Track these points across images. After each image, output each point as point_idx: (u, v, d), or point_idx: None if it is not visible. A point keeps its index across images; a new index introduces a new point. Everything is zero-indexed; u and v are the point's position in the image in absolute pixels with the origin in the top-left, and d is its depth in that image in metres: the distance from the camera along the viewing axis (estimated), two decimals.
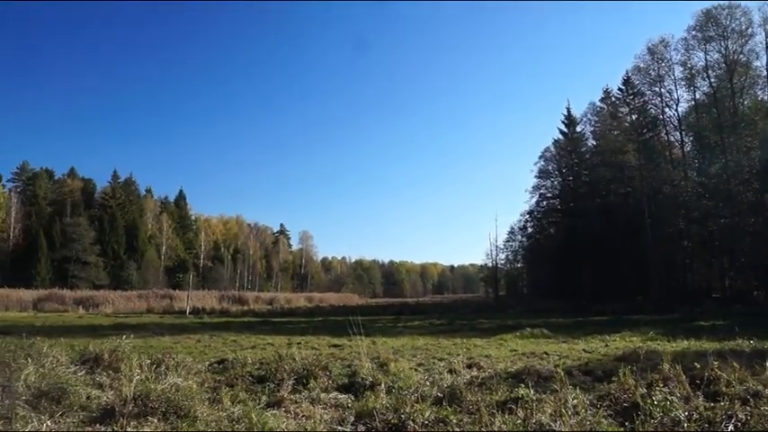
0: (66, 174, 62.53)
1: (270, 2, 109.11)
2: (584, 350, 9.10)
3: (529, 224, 48.82)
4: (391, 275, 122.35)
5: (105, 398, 4.76)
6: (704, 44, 28.31)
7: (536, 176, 44.23)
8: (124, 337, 7.37)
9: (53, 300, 30.51)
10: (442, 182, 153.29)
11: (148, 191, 66.49)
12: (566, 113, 42.40)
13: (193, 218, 72.53)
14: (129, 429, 3.91)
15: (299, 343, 11.03)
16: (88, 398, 4.72)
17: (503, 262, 55.09)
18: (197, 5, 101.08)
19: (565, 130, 42.37)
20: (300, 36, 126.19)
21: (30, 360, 5.59)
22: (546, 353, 8.78)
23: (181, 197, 70.10)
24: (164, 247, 60.71)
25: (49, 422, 3.97)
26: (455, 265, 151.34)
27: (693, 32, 28.56)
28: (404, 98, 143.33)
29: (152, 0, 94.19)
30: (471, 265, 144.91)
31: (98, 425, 4.10)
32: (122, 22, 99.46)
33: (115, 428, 3.94)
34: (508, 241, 54.01)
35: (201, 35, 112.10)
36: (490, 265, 54.27)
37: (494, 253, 51.60)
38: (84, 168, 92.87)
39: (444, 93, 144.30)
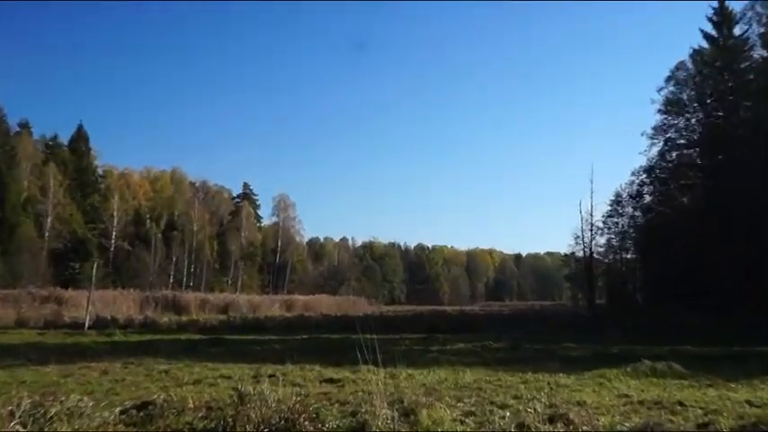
0: None
1: None
2: (748, 402, 8.80)
3: (646, 189, 47.95)
4: (419, 269, 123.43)
5: None
6: None
7: (660, 111, 43.04)
8: None
9: None
10: (504, 120, 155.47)
11: (24, 126, 63.68)
12: (716, 6, 40.36)
13: (101, 171, 72.93)
14: None
15: (271, 375, 11.08)
16: None
17: (601, 249, 54.58)
18: None
19: (713, 32, 40.31)
20: None
21: None
22: (681, 403, 8.54)
23: (80, 138, 66.60)
24: (49, 219, 57.48)
25: None
26: (523, 254, 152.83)
27: None
28: None
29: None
30: (549, 254, 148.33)
31: None
32: None
33: None
34: (610, 216, 53.42)
35: None
36: (581, 254, 53.97)
37: (587, 235, 50.91)
38: None
39: None
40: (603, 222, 53.18)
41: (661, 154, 44.26)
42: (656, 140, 43.99)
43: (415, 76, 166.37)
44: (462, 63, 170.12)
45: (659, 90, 43.21)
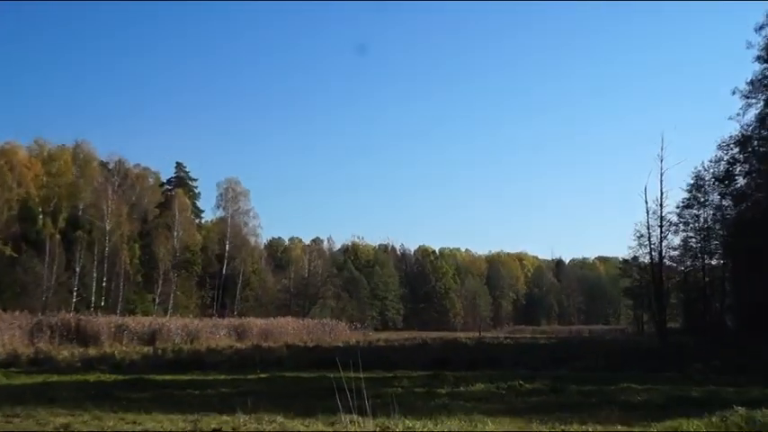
0: None
1: None
2: None
3: (738, 168, 48.00)
4: (422, 281, 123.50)
5: None
6: None
7: (760, 59, 42.98)
8: None
9: None
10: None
11: None
12: None
13: None
14: None
15: (216, 430, 11.17)
16: None
17: (675, 253, 54.77)
18: None
19: None
20: None
21: None
22: None
23: None
24: None
25: None
26: (565, 260, 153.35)
27: None
28: None
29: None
30: (601, 259, 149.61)
31: None
32: None
33: None
34: (688, 207, 53.51)
35: None
36: (646, 260, 54.05)
37: (655, 233, 50.98)
38: None
39: None
40: (678, 215, 53.29)
41: (761, 119, 43.80)
42: (753, 99, 43.62)
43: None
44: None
45: (758, 29, 42.78)
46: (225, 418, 12.66)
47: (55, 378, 23.17)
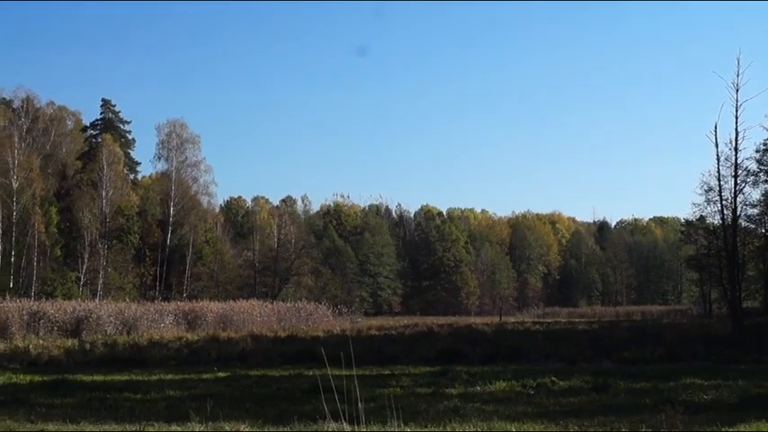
0: None
1: None
2: None
3: None
4: (426, 250, 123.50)
5: None
6: None
7: None
8: None
9: None
10: None
11: None
12: None
13: None
14: None
15: None
16: None
17: (755, 212, 54.74)
18: None
19: None
20: None
21: None
22: None
23: None
24: None
25: None
26: (611, 222, 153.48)
27: None
28: None
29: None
30: (658, 221, 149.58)
31: None
32: None
33: None
34: None
35: None
36: (716, 221, 54.13)
37: (728, 185, 51.03)
38: None
39: None
40: (758, 162, 53.16)
41: None
42: None
43: None
44: None
45: None
46: (175, 428, 12.79)
47: None
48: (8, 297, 50.97)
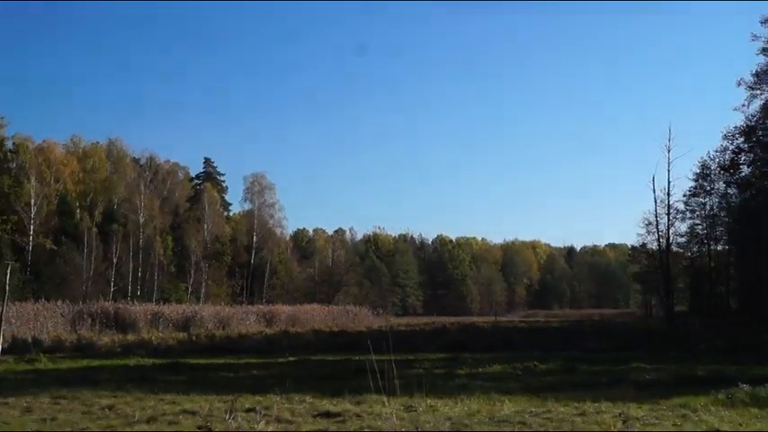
0: None
1: None
2: None
3: (743, 157, 47.66)
4: (440, 268, 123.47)
5: None
6: None
7: (765, 51, 42.55)
8: None
9: None
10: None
11: None
12: None
13: (11, 145, 72.91)
14: None
15: (250, 410, 11.15)
16: None
17: (682, 240, 54.56)
18: None
19: None
20: None
21: None
22: None
23: None
24: None
25: None
26: (576, 247, 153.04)
27: None
28: None
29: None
30: (611, 246, 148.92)
31: None
32: None
33: None
34: (694, 195, 53.29)
35: None
36: (654, 246, 53.74)
37: (663, 221, 50.77)
38: None
39: None
40: (685, 203, 53.10)
41: (766, 109, 43.53)
42: (758, 91, 43.31)
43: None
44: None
45: (764, 21, 42.30)
46: (258, 398, 12.82)
47: (97, 363, 23.51)
48: (136, 302, 51.70)
